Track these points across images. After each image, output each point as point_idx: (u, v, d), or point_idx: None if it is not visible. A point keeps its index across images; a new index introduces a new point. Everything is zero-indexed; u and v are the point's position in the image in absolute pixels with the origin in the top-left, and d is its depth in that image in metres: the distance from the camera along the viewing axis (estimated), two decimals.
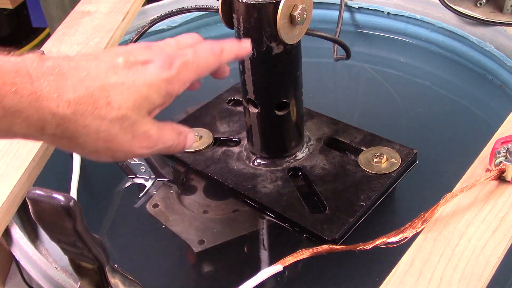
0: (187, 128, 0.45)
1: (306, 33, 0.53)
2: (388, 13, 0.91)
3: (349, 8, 0.93)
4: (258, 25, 0.51)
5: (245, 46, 0.47)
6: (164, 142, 0.42)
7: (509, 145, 0.50)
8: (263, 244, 0.57)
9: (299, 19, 0.50)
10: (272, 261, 0.45)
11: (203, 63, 0.43)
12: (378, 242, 0.45)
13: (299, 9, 0.49)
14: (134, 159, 0.64)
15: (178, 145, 0.44)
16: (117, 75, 0.39)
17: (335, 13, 0.88)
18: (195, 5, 0.86)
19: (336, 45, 0.79)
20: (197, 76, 0.43)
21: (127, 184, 0.66)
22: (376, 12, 0.92)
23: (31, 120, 0.36)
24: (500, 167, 0.49)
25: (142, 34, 0.83)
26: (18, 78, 0.35)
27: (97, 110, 0.37)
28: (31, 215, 0.36)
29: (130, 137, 0.39)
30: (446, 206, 0.47)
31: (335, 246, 0.46)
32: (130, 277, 0.42)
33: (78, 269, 0.41)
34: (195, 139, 0.65)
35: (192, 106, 0.74)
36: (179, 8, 0.85)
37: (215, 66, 0.44)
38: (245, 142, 0.64)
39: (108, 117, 0.38)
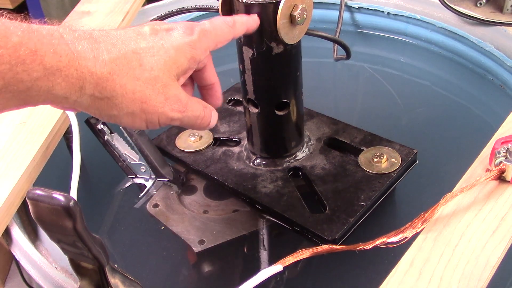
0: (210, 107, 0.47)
1: (306, 33, 0.53)
2: (388, 13, 0.91)
3: (349, 8, 0.93)
4: (258, 25, 0.50)
5: (255, 19, 0.49)
6: (192, 110, 0.44)
7: (509, 145, 0.51)
8: (263, 244, 0.57)
9: (299, 19, 0.50)
10: (272, 261, 0.45)
11: (220, 32, 0.45)
12: (378, 242, 0.45)
13: (299, 9, 0.49)
14: (134, 159, 0.64)
15: (204, 118, 0.45)
16: (146, 40, 0.41)
17: (335, 13, 0.88)
18: (195, 5, 0.86)
19: (336, 45, 0.80)
20: (215, 45, 0.45)
21: (127, 184, 0.66)
22: (376, 12, 0.92)
23: (71, 79, 0.37)
24: (500, 167, 0.49)
25: None
26: (54, 40, 0.36)
27: (131, 71, 0.39)
28: (31, 215, 0.36)
29: (163, 99, 0.41)
30: (446, 206, 0.47)
31: (335, 246, 0.46)
32: (130, 277, 0.42)
33: (78, 269, 0.40)
34: (195, 139, 0.65)
35: None
36: (179, 8, 0.85)
37: (230, 37, 0.47)
38: (245, 142, 0.64)
39: (141, 78, 0.40)
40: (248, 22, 0.49)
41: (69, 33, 0.38)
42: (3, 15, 0.38)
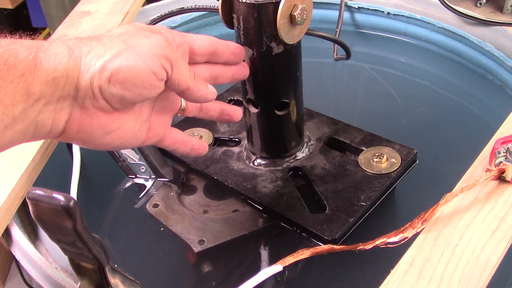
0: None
1: (306, 33, 0.53)
2: (388, 13, 0.91)
3: (349, 8, 0.93)
4: (258, 25, 0.51)
5: (209, 95, 0.47)
6: (180, 69, 0.43)
7: (509, 145, 0.51)
8: (263, 244, 0.57)
9: (299, 19, 0.50)
10: (272, 261, 0.45)
11: (184, 68, 0.44)
12: (378, 242, 0.45)
13: (299, 9, 0.49)
14: (134, 159, 0.64)
15: (194, 80, 0.44)
16: (129, 36, 0.41)
17: (335, 13, 0.88)
18: (195, 5, 0.86)
19: (336, 45, 0.79)
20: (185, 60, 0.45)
21: (127, 184, 0.66)
22: (376, 12, 0.92)
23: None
24: (500, 167, 0.49)
25: None
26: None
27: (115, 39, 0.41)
28: (31, 215, 0.36)
29: (144, 37, 0.42)
30: (446, 206, 0.47)
31: (335, 246, 0.46)
32: (130, 277, 0.42)
33: (78, 269, 0.40)
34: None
35: None
36: (179, 8, 0.85)
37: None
38: (245, 142, 0.64)
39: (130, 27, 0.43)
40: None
41: (48, 42, 0.39)
42: None
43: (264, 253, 0.57)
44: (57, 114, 0.39)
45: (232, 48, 0.50)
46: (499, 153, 0.50)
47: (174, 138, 0.50)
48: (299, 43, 0.54)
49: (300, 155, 0.62)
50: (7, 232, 0.55)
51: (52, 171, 0.65)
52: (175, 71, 0.42)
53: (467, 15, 0.82)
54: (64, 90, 0.38)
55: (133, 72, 0.39)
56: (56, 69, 0.37)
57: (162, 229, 0.59)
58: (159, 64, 0.41)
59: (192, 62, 0.48)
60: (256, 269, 0.44)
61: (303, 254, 0.45)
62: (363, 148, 0.61)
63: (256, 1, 0.49)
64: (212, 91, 0.46)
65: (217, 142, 0.66)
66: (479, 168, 0.52)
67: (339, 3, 0.88)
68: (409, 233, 0.45)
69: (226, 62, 0.50)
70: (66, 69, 0.37)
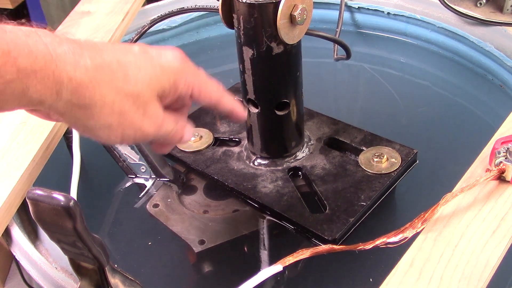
0: (187, 121, 0.46)
1: (306, 33, 0.53)
2: (388, 13, 0.91)
3: (349, 8, 0.93)
4: (258, 25, 0.51)
5: (239, 111, 0.48)
6: (166, 126, 0.42)
7: (509, 145, 0.50)
8: (263, 244, 0.57)
9: (299, 19, 0.50)
10: (272, 261, 0.45)
11: (209, 86, 0.44)
12: (378, 242, 0.45)
13: (299, 9, 0.49)
14: (134, 159, 0.64)
15: (176, 133, 0.44)
16: (134, 55, 0.40)
17: (335, 13, 0.88)
18: (195, 5, 0.86)
19: (336, 45, 0.80)
20: (198, 91, 0.44)
21: (127, 184, 0.66)
22: (376, 12, 0.92)
23: (47, 82, 0.35)
24: (500, 167, 0.49)
25: (142, 34, 0.83)
26: (30, 41, 0.34)
27: (114, 82, 0.38)
28: (31, 215, 0.36)
29: (142, 114, 0.40)
30: (446, 206, 0.47)
31: (335, 246, 0.46)
32: (130, 277, 0.42)
33: (78, 269, 0.41)
34: (195, 139, 0.65)
35: (192, 106, 0.74)
36: (179, 8, 0.85)
37: (214, 98, 0.45)
38: (245, 142, 0.64)
39: (124, 90, 0.38)
40: (234, 109, 0.47)
41: (49, 35, 0.36)
42: None
43: (264, 253, 0.57)
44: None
45: (235, 115, 0.49)
46: (499, 153, 0.50)
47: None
48: (299, 43, 0.54)
49: (300, 155, 0.62)
50: (7, 232, 0.55)
51: (52, 171, 0.65)
52: (159, 133, 0.42)
53: (467, 15, 0.82)
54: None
55: (108, 140, 0.40)
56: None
57: (162, 228, 0.59)
58: (146, 134, 0.41)
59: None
60: (256, 269, 0.44)
61: (303, 254, 0.45)
62: (363, 148, 0.61)
63: (256, 1, 0.49)
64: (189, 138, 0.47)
65: (217, 142, 0.66)
66: (479, 168, 0.52)
67: (339, 3, 0.88)
68: (409, 233, 0.45)
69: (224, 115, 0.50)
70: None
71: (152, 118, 0.40)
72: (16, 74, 0.34)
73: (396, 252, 0.45)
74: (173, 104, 0.44)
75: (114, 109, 0.38)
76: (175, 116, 0.44)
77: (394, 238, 0.44)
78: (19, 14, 1.85)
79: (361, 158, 0.60)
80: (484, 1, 0.89)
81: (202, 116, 0.70)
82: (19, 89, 0.34)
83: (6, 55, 0.33)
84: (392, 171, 0.58)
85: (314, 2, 0.52)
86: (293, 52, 0.54)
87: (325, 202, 0.55)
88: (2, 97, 0.34)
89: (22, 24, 0.36)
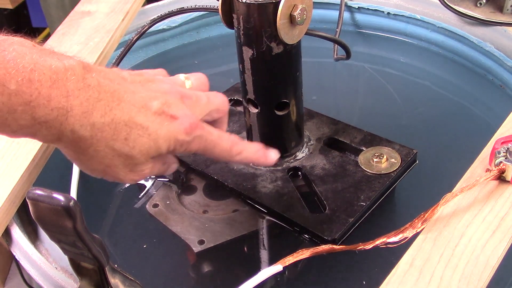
0: (173, 159, 0.48)
1: (306, 33, 0.53)
2: (388, 13, 0.91)
3: (349, 8, 0.93)
4: (258, 25, 0.51)
5: (267, 157, 0.49)
6: (150, 173, 0.44)
7: (509, 145, 0.50)
8: (263, 244, 0.57)
9: (299, 19, 0.50)
10: (272, 261, 0.45)
11: (216, 152, 0.45)
12: (378, 242, 0.45)
13: (299, 9, 0.49)
14: None
15: (162, 173, 0.47)
16: (146, 117, 0.40)
17: (335, 13, 0.88)
18: (195, 5, 0.86)
19: (336, 45, 0.80)
20: (201, 154, 0.45)
21: (127, 184, 0.66)
22: (376, 12, 0.92)
23: (53, 130, 0.37)
24: (500, 167, 0.49)
25: (142, 34, 0.83)
26: (53, 91, 0.36)
27: (113, 142, 0.39)
28: (31, 215, 0.36)
29: (128, 171, 0.42)
30: (446, 206, 0.47)
31: (335, 246, 0.46)
32: (130, 277, 0.42)
33: (78, 269, 0.40)
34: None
35: None
36: (179, 8, 0.85)
37: (223, 159, 0.47)
38: None
39: (119, 151, 0.40)
40: (257, 158, 0.49)
41: (76, 81, 0.37)
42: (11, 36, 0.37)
43: (264, 253, 0.57)
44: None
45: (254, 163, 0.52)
46: (499, 153, 0.50)
47: None
48: (299, 43, 0.54)
49: (300, 155, 0.62)
50: (7, 232, 0.55)
51: (52, 171, 0.65)
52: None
53: (467, 15, 0.82)
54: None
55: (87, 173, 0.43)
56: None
57: (162, 228, 0.59)
58: (123, 182, 0.44)
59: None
60: (256, 269, 0.44)
61: (303, 254, 0.45)
62: (363, 148, 0.61)
63: (256, 1, 0.49)
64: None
65: None
66: (479, 168, 0.52)
67: (339, 3, 0.88)
68: (409, 233, 0.45)
69: None
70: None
71: (137, 174, 0.42)
72: (30, 121, 0.36)
73: (396, 252, 0.45)
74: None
75: (102, 162, 0.40)
76: (165, 158, 0.46)
77: (394, 238, 0.44)
78: (19, 14, 1.85)
79: (361, 158, 0.60)
80: (484, 1, 0.89)
81: None
82: (29, 133, 0.37)
83: (27, 105, 0.35)
84: (392, 171, 0.58)
85: (314, 2, 0.52)
86: (293, 52, 0.54)
87: (325, 202, 0.55)
88: (12, 134, 0.37)
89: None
